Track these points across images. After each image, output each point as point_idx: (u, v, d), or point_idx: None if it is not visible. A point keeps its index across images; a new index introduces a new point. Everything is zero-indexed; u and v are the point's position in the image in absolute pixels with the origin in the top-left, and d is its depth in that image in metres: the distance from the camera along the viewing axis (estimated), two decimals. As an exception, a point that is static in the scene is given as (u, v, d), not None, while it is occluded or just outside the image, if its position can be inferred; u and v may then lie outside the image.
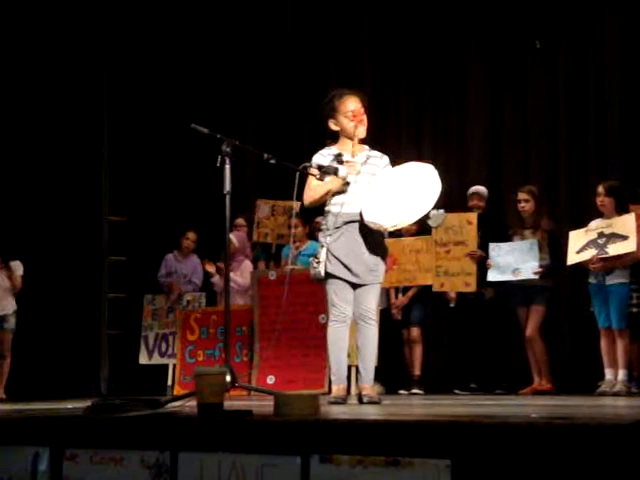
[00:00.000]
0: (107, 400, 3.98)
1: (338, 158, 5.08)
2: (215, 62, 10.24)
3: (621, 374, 7.18)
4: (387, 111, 9.40)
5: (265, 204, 8.83)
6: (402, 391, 8.08)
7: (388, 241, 6.95)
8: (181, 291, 9.08)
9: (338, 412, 4.04)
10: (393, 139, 9.04)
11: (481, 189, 8.33)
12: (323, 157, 5.18)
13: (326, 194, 5.11)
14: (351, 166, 5.07)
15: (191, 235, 9.33)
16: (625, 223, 7.08)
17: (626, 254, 7.07)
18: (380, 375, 6.43)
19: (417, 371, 8.22)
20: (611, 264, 7.20)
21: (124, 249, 9.90)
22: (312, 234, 8.12)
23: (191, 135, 4.77)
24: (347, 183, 5.07)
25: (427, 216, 7.65)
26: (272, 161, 4.90)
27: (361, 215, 5.05)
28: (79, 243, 9.58)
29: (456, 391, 7.97)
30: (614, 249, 7.07)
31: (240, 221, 9.01)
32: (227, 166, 4.71)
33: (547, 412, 3.93)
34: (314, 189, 5.13)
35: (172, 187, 10.04)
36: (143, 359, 9.11)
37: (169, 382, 8.64)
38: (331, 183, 5.06)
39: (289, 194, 5.12)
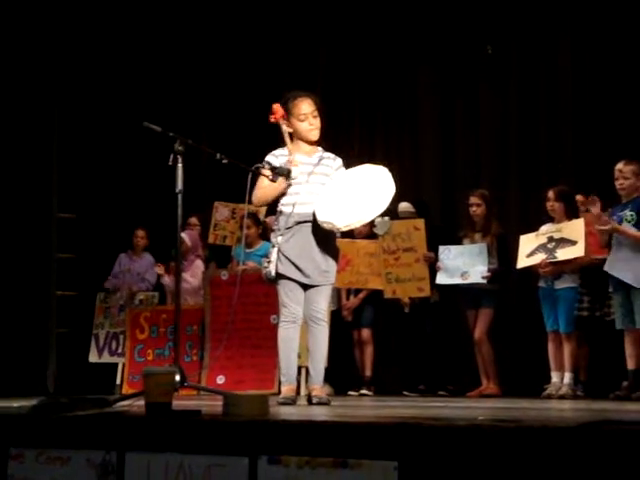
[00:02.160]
0: (54, 399, 3.93)
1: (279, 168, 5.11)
2: (169, 60, 10.17)
3: (567, 377, 7.27)
4: (340, 119, 9.40)
5: (224, 207, 8.81)
6: (351, 392, 8.10)
7: (343, 242, 7.00)
8: (131, 290, 9.01)
9: (287, 413, 4.04)
10: (345, 145, 9.04)
11: (406, 208, 8.31)
12: (275, 158, 5.19)
13: (275, 195, 5.13)
14: (290, 162, 5.10)
15: (140, 233, 9.29)
16: (574, 228, 7.17)
17: (575, 259, 7.16)
18: (330, 376, 6.45)
19: (368, 372, 8.25)
20: (560, 268, 7.29)
21: (74, 247, 9.80)
22: (265, 234, 8.12)
23: (143, 133, 4.74)
24: (288, 185, 5.09)
25: (373, 224, 7.71)
26: (225, 161, 4.89)
27: (314, 215, 5.06)
28: (28, 240, 9.46)
29: (405, 393, 8.01)
30: (563, 254, 7.16)
31: (193, 220, 8.98)
32: (179, 165, 4.69)
33: (493, 414, 3.96)
34: (263, 190, 5.14)
35: (123, 185, 9.96)
36: (93, 357, 9.03)
37: (118, 381, 8.58)
38: (276, 186, 5.09)
39: (242, 194, 5.11)
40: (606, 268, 6.87)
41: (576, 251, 7.10)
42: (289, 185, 5.11)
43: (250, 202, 5.27)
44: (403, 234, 7.92)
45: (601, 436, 2.55)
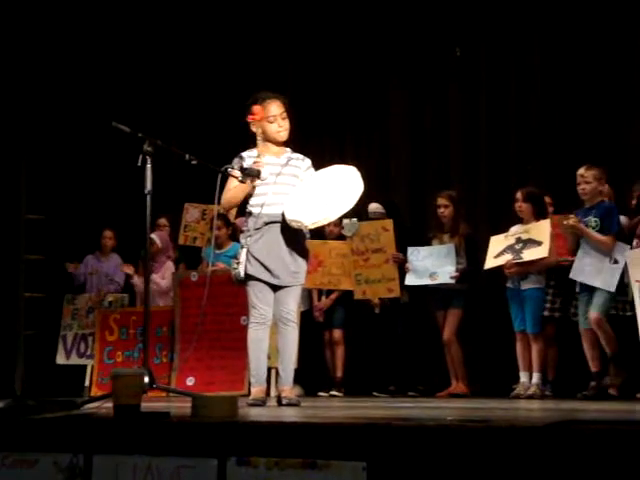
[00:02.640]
0: (21, 401, 3.90)
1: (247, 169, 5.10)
2: (138, 61, 10.12)
3: (535, 377, 7.32)
4: (310, 120, 9.41)
5: (195, 208, 8.78)
6: (321, 393, 8.10)
7: (315, 243, 7.01)
8: (100, 292, 8.96)
9: (257, 414, 4.04)
10: (316, 147, 9.02)
11: (376, 209, 8.32)
12: (242, 160, 5.19)
13: (242, 197, 5.13)
14: (257, 164, 5.10)
15: (108, 233, 9.25)
16: (540, 229, 7.23)
17: (540, 259, 7.22)
18: (300, 377, 6.44)
19: (338, 373, 8.25)
20: (525, 269, 7.34)
21: (42, 248, 9.72)
22: (235, 236, 8.10)
23: (112, 133, 4.72)
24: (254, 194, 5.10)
25: (341, 225, 7.72)
26: (194, 162, 4.88)
27: (283, 216, 5.06)
28: (-5, 241, 9.38)
29: (375, 393, 8.03)
30: (528, 254, 7.22)
31: (163, 221, 8.95)
32: (148, 165, 4.67)
33: (462, 415, 3.98)
34: (231, 192, 5.14)
35: (91, 186, 9.90)
36: (60, 359, 8.97)
37: (86, 383, 8.52)
38: (243, 187, 5.08)
39: (212, 195, 5.11)
40: (572, 276, 6.92)
41: (540, 252, 7.16)
42: (253, 188, 5.11)
43: (220, 204, 5.26)
44: (372, 235, 7.93)
45: (568, 436, 2.57)
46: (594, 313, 6.78)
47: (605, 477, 2.49)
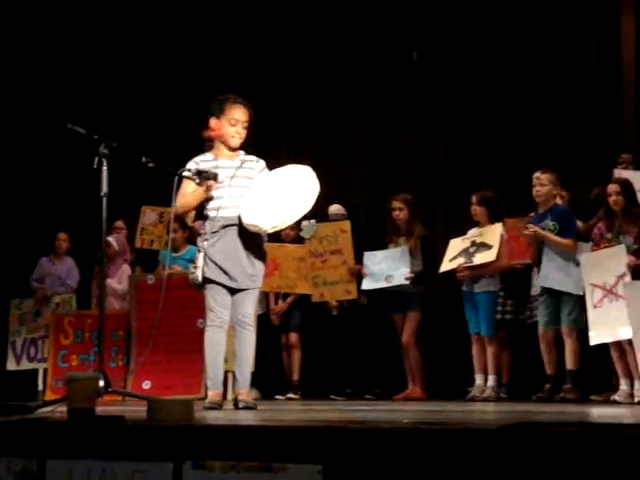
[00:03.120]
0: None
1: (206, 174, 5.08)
2: (94, 62, 10.05)
3: (491, 380, 7.37)
4: (268, 122, 9.41)
5: (152, 211, 8.73)
6: (278, 396, 8.09)
7: (272, 246, 7.00)
8: (46, 294, 8.87)
9: (213, 417, 4.02)
10: (274, 149, 9.05)
11: (337, 210, 8.34)
12: (196, 164, 5.17)
13: (197, 202, 5.11)
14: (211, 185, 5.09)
15: (62, 236, 9.16)
16: (492, 233, 7.30)
17: (492, 263, 7.27)
18: (257, 380, 6.44)
19: (295, 376, 8.25)
20: (477, 273, 7.39)
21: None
22: (191, 239, 8.06)
23: (67, 135, 4.68)
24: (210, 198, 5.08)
25: (299, 227, 7.72)
26: (150, 164, 4.86)
27: (240, 219, 5.05)
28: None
29: (332, 396, 8.03)
30: (479, 258, 7.29)
31: (119, 224, 8.89)
32: (104, 168, 4.64)
33: (418, 417, 3.99)
34: (187, 197, 5.12)
35: (46, 188, 9.80)
36: (11, 365, 8.88)
37: (40, 387, 8.44)
38: (200, 193, 5.06)
39: (169, 198, 5.08)
40: (541, 283, 6.97)
41: (489, 256, 7.22)
42: (211, 198, 5.09)
43: (176, 207, 5.23)
44: (330, 237, 7.94)
45: (523, 438, 2.59)
46: (566, 327, 6.85)
47: (559, 479, 2.52)
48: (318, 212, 7.10)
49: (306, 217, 6.76)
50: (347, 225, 7.94)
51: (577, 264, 6.83)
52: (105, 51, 10.02)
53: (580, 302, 6.83)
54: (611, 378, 7.00)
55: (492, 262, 7.25)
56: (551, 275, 6.92)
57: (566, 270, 6.87)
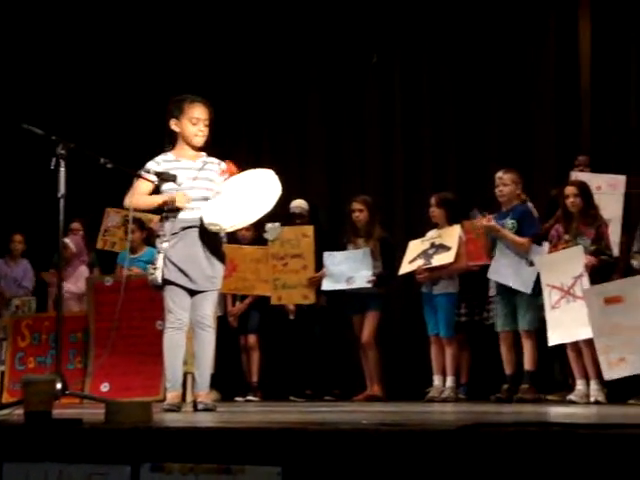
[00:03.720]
0: None
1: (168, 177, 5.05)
2: (52, 61, 9.96)
3: (449, 380, 7.41)
4: (227, 124, 9.39)
5: (116, 213, 8.68)
6: (238, 398, 8.08)
7: (230, 247, 6.98)
8: (5, 296, 8.78)
9: (171, 420, 4.00)
10: (233, 151, 8.99)
11: (300, 204, 8.34)
12: (157, 164, 5.14)
13: (156, 206, 5.09)
14: (181, 197, 5.05)
15: (17, 238, 9.08)
16: (450, 234, 7.35)
17: (451, 265, 7.32)
18: (216, 382, 6.42)
19: (254, 378, 8.24)
20: (436, 274, 7.43)
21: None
22: (149, 240, 8.03)
23: (23, 135, 4.63)
24: (178, 209, 5.05)
25: (264, 229, 7.71)
26: (109, 165, 4.83)
27: (200, 220, 5.04)
28: None
29: (292, 398, 8.03)
30: (437, 259, 7.33)
31: (76, 225, 8.83)
32: (62, 169, 4.60)
33: (377, 418, 4.00)
34: (144, 198, 5.09)
35: (1, 189, 9.69)
36: (-32, 368, 8.77)
37: (-4, 390, 8.35)
38: (169, 198, 5.03)
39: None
40: (490, 275, 7.05)
41: (447, 257, 7.27)
42: (178, 209, 5.05)
43: (127, 203, 5.20)
44: (292, 240, 7.94)
45: (480, 438, 2.60)
46: (523, 329, 6.91)
47: (517, 478, 2.53)
48: (278, 214, 7.09)
49: (265, 219, 6.78)
50: (310, 230, 7.94)
51: (530, 264, 6.90)
52: (62, 51, 9.93)
53: (535, 303, 6.90)
54: (567, 378, 7.08)
55: (450, 264, 7.29)
56: (501, 270, 6.98)
57: (516, 268, 6.94)
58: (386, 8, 9.12)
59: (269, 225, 7.72)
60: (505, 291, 7.02)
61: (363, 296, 7.77)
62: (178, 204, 5.02)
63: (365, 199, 7.96)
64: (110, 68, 9.95)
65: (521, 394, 6.82)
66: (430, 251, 7.41)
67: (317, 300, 7.97)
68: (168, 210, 5.06)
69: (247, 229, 7.86)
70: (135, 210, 5.32)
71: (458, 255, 7.27)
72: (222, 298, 8.01)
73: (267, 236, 7.88)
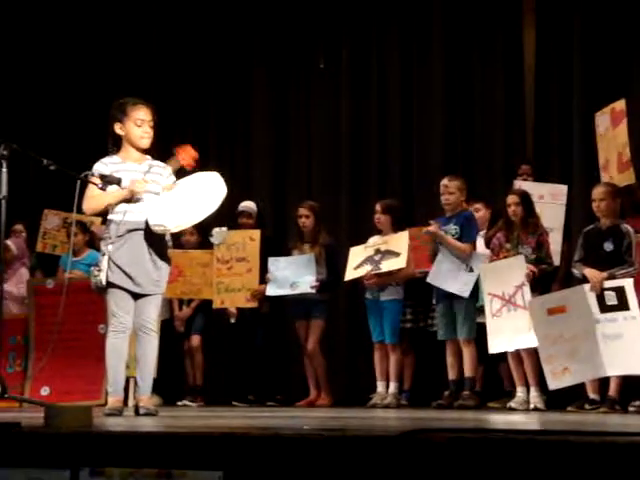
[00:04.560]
0: None
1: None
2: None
3: (392, 387, 7.45)
4: (172, 128, 9.34)
5: (54, 215, 8.58)
6: (180, 402, 8.04)
7: (176, 253, 6.96)
8: None
9: (112, 424, 3.97)
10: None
11: (249, 205, 8.34)
12: (105, 166, 5.11)
13: (109, 204, 5.05)
14: (139, 183, 5.02)
15: None
16: (399, 240, 7.39)
17: (398, 270, 7.36)
18: (159, 386, 6.38)
19: (197, 381, 8.21)
20: (385, 280, 7.47)
21: None
22: (92, 243, 7.96)
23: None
24: (137, 199, 5.02)
25: (210, 233, 7.69)
26: (52, 167, 4.78)
27: (146, 223, 5.01)
28: None
29: (234, 403, 8.01)
30: (387, 265, 7.36)
31: (19, 227, 8.71)
32: (3, 170, 4.55)
33: (320, 424, 4.02)
34: (96, 198, 5.05)
35: None
36: None
37: None
38: (119, 194, 5.00)
39: (72, 202, 5.01)
40: (429, 279, 7.12)
41: (398, 263, 7.31)
42: (137, 200, 5.02)
43: (80, 211, 5.16)
44: (238, 244, 7.92)
45: (421, 444, 2.63)
46: (462, 337, 6.98)
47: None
48: (224, 216, 7.08)
49: (215, 221, 6.77)
50: (257, 234, 7.92)
51: (469, 270, 6.98)
52: (4, 52, 9.78)
53: (473, 311, 6.99)
54: (508, 385, 7.17)
55: (402, 269, 7.33)
56: (441, 275, 7.06)
57: (456, 273, 7.02)
58: (334, 12, 9.15)
59: (216, 229, 7.70)
60: (444, 298, 7.09)
61: (308, 302, 7.78)
62: (137, 189, 4.99)
63: (311, 205, 7.98)
64: (52, 68, 9.81)
65: (462, 400, 6.89)
66: (376, 257, 7.44)
67: (260, 305, 7.96)
68: (128, 202, 5.02)
69: (191, 233, 7.85)
70: (96, 212, 5.27)
71: (406, 261, 7.32)
72: (168, 302, 7.97)
73: (213, 240, 7.85)
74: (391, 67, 8.90)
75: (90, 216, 5.40)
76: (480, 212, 7.43)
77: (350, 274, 7.55)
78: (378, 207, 7.60)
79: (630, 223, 6.63)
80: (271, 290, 7.79)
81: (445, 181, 7.21)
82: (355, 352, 8.51)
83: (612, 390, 6.50)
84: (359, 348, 8.39)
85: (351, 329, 8.57)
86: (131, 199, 5.02)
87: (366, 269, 7.44)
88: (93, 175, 5.02)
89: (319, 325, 7.87)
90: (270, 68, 9.36)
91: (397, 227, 7.51)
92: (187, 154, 5.25)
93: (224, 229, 7.77)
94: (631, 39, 7.91)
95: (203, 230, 7.75)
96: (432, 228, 7.07)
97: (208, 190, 5.04)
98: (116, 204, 5.05)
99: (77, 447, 2.91)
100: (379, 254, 7.44)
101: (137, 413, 5.10)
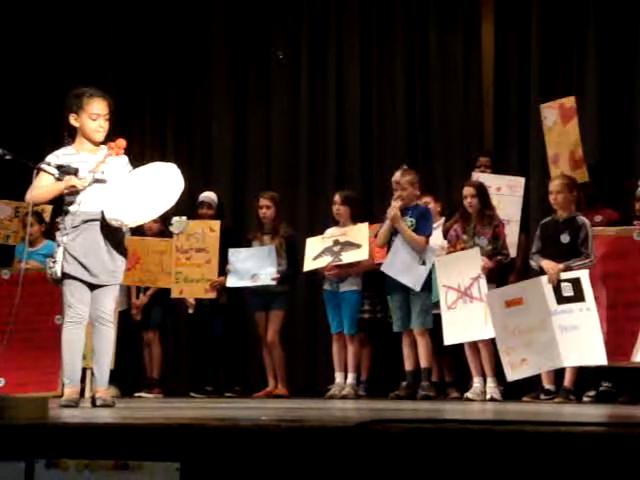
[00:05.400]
0: None
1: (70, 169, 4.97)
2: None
3: (350, 378, 7.47)
4: (130, 118, 9.28)
5: (6, 205, 8.49)
6: (138, 394, 8.00)
7: (133, 239, 6.91)
8: None
9: (69, 415, 3.96)
10: (136, 149, 8.89)
11: (210, 195, 8.32)
12: (57, 158, 5.06)
13: (54, 195, 5.01)
14: (81, 179, 4.98)
15: None
16: (359, 232, 7.40)
17: (359, 262, 7.38)
18: (116, 377, 6.35)
19: (155, 374, 8.17)
20: (345, 271, 7.48)
21: None
22: (48, 233, 7.88)
23: None
24: (77, 192, 4.97)
25: (169, 222, 7.66)
26: (8, 157, 4.74)
27: (102, 214, 4.98)
28: None
29: (192, 394, 7.99)
30: (348, 257, 7.37)
31: (-30, 218, 8.61)
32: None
33: (278, 415, 4.02)
34: (43, 189, 5.01)
35: None
36: None
37: None
38: (60, 185, 4.96)
39: (21, 192, 4.96)
40: (383, 268, 7.14)
41: (360, 254, 7.32)
42: (76, 192, 4.98)
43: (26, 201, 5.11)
44: (198, 234, 7.89)
45: (377, 434, 2.64)
46: (416, 328, 7.02)
47: (412, 475, 2.57)
48: (184, 206, 7.05)
49: (175, 212, 6.74)
50: (217, 225, 7.89)
51: (422, 263, 7.02)
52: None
53: (427, 302, 7.03)
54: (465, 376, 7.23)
55: (363, 261, 7.35)
56: (395, 266, 7.09)
57: (410, 264, 7.05)
58: (293, 2, 9.14)
59: (175, 218, 7.66)
60: (400, 290, 7.12)
61: (267, 294, 7.78)
62: (75, 184, 4.95)
63: (272, 195, 7.97)
64: (7, 57, 9.67)
65: (421, 391, 6.93)
66: (335, 248, 7.44)
67: (219, 296, 7.94)
68: (69, 194, 4.98)
69: (154, 221, 7.79)
70: (38, 202, 5.22)
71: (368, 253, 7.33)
72: (126, 292, 7.92)
73: (173, 229, 7.81)
74: (350, 59, 8.90)
75: (33, 205, 5.34)
76: (429, 205, 7.46)
77: (309, 265, 7.55)
78: (337, 198, 7.60)
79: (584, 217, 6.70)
80: (231, 281, 7.78)
81: (397, 177, 7.23)
82: (314, 343, 8.52)
83: (567, 381, 6.58)
84: (318, 339, 8.40)
85: (310, 320, 8.59)
86: (77, 192, 4.97)
87: (326, 260, 7.45)
88: (49, 165, 4.97)
89: (278, 316, 7.87)
90: (229, 59, 9.33)
91: (356, 219, 7.52)
92: (117, 145, 5.17)
93: (184, 218, 7.74)
94: (586, 34, 7.98)
95: (165, 218, 7.71)
96: (393, 211, 7.07)
97: (166, 184, 5.01)
98: (67, 195, 5.00)
99: (32, 439, 2.89)
100: (338, 245, 7.45)
101: (94, 404, 5.08)
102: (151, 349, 8.22)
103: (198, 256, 7.86)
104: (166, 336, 8.37)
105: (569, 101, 7.10)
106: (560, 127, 7.03)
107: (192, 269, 7.85)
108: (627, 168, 7.45)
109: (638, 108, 7.69)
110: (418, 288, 6.98)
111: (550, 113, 7.17)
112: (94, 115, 5.07)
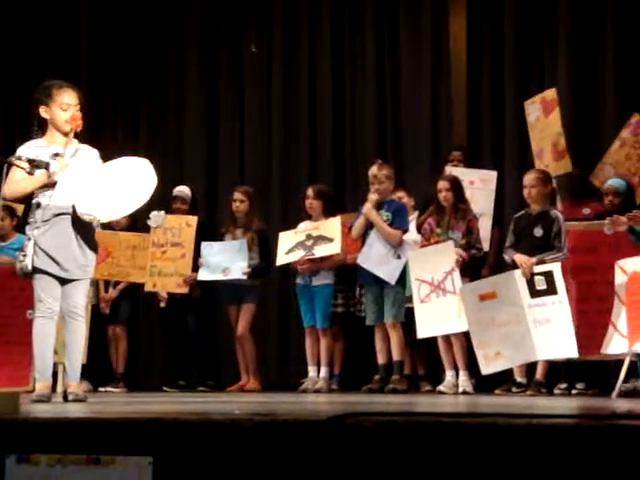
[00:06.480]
0: None
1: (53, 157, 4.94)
2: None
3: (323, 371, 7.49)
4: (103, 112, 9.24)
5: (-25, 198, 8.42)
6: (110, 388, 7.97)
7: (105, 234, 6.89)
8: None
9: (40, 410, 3.93)
10: (109, 139, 8.86)
11: (184, 190, 8.28)
12: (29, 149, 5.03)
13: (33, 189, 4.97)
14: (60, 162, 4.95)
15: None
16: (331, 226, 7.41)
17: (332, 256, 7.39)
18: (87, 372, 6.33)
19: (121, 369, 8.15)
20: (318, 265, 7.49)
21: None
22: (21, 227, 7.83)
23: None
24: (54, 184, 4.94)
25: (140, 217, 7.63)
26: (-23, 150, 4.68)
27: (73, 207, 4.94)
28: None
29: (165, 388, 7.98)
30: (320, 251, 7.38)
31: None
32: None
33: (250, 409, 4.02)
34: (19, 183, 4.96)
35: None
36: None
37: None
38: (40, 179, 4.92)
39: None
40: (359, 261, 7.15)
41: (333, 248, 7.33)
42: (54, 184, 4.94)
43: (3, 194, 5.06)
44: (174, 228, 7.89)
45: (350, 428, 2.64)
46: (389, 321, 7.04)
47: (385, 468, 2.58)
48: (158, 202, 7.03)
49: (149, 207, 6.71)
50: (194, 220, 7.89)
51: (397, 257, 7.04)
52: None
53: (400, 295, 7.05)
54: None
55: (335, 254, 7.36)
56: (371, 259, 7.11)
57: (385, 258, 7.08)
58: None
59: (154, 212, 7.66)
60: (374, 284, 7.13)
61: (239, 288, 7.77)
62: (53, 177, 4.92)
63: (247, 190, 7.97)
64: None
65: (392, 384, 6.95)
66: (308, 242, 7.45)
67: (191, 290, 7.92)
68: (44, 187, 4.94)
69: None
70: (16, 197, 5.17)
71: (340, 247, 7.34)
72: (96, 286, 7.89)
73: (151, 223, 7.80)
74: (322, 51, 8.90)
75: (10, 200, 5.30)
76: (403, 200, 7.48)
77: (282, 259, 7.55)
78: (310, 192, 7.60)
79: (570, 209, 6.75)
80: (203, 275, 7.77)
81: (374, 171, 7.24)
82: (286, 337, 8.53)
83: (539, 374, 6.62)
84: (290, 333, 8.41)
85: (282, 314, 8.59)
86: (53, 185, 4.94)
87: (299, 254, 7.45)
88: (20, 159, 4.93)
89: (250, 310, 7.86)
90: (201, 52, 9.30)
91: (328, 213, 7.53)
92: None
93: (162, 212, 7.74)
94: (557, 27, 8.01)
95: (134, 213, 7.66)
96: (368, 206, 7.09)
97: (139, 180, 4.98)
98: (40, 189, 4.97)
99: (3, 434, 2.87)
100: (311, 239, 7.45)
101: (65, 399, 5.06)
102: (117, 344, 8.19)
103: (173, 250, 7.86)
104: (134, 331, 8.35)
105: (550, 94, 7.12)
106: (543, 121, 7.06)
107: (166, 263, 7.85)
108: (595, 161, 7.44)
109: (609, 102, 7.74)
110: (393, 281, 7.00)
111: (533, 109, 7.19)
112: (64, 105, 5.04)
